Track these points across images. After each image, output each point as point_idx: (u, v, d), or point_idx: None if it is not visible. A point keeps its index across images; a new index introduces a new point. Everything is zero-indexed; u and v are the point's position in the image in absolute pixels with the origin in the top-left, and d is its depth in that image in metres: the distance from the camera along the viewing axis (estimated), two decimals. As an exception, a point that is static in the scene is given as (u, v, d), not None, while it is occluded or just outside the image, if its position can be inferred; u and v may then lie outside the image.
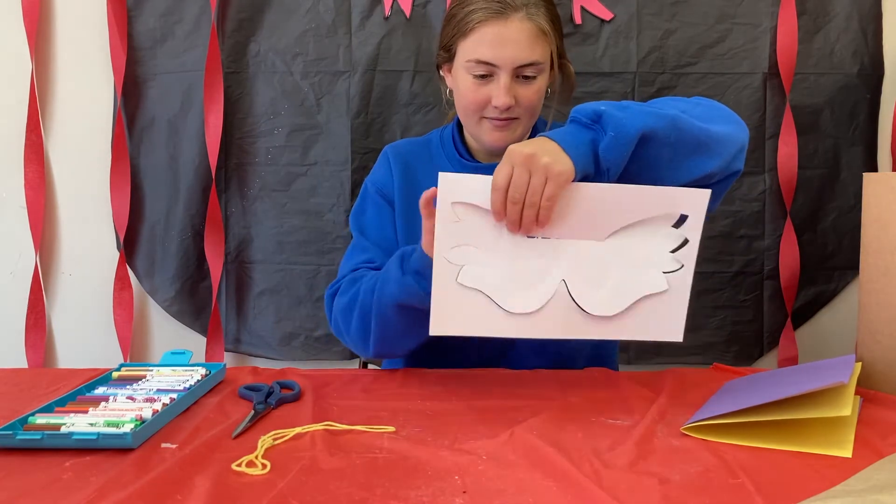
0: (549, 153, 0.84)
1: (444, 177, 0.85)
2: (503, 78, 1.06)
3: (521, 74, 1.07)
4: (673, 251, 0.87)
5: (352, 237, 1.21)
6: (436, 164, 1.19)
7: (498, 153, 1.16)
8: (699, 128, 0.93)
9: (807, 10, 1.64)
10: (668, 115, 0.91)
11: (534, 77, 1.08)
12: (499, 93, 1.06)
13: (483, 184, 0.85)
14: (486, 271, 0.87)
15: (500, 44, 1.05)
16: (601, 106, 0.90)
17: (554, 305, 0.88)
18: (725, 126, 0.98)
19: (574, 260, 0.87)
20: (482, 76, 1.07)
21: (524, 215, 0.84)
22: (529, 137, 1.19)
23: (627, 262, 0.87)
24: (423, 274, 0.93)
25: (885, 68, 1.66)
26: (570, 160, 0.85)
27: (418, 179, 1.17)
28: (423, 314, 0.88)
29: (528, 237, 0.87)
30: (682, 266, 0.88)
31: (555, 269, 0.87)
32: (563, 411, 0.86)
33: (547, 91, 1.14)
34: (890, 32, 1.65)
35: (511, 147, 0.86)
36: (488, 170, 1.12)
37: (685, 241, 0.88)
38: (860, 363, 0.91)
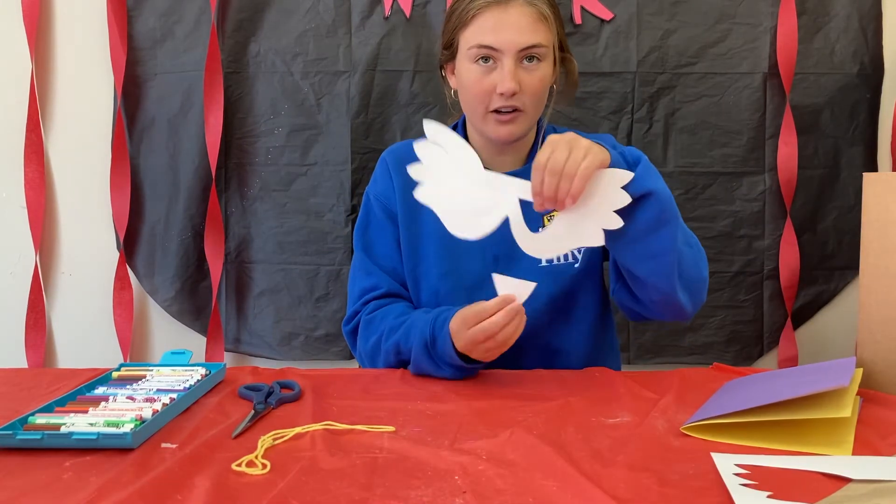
0: (588, 140, 0.91)
1: (428, 123, 0.95)
2: (507, 63, 1.06)
3: (524, 59, 1.07)
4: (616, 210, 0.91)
5: (353, 233, 1.23)
6: None
7: (504, 149, 1.16)
8: (680, 251, 0.99)
9: (807, 10, 1.64)
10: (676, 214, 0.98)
11: (537, 64, 1.08)
12: (504, 78, 1.06)
13: (458, 138, 0.96)
14: (441, 191, 0.95)
15: (501, 28, 1.06)
16: (643, 157, 0.97)
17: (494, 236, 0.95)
18: (687, 287, 1.03)
19: (521, 199, 0.93)
20: (485, 60, 1.08)
21: (560, 188, 0.89)
22: (535, 138, 1.19)
23: (570, 211, 0.91)
24: (459, 368, 0.99)
25: (885, 68, 1.66)
26: (609, 152, 0.92)
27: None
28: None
29: (485, 169, 0.95)
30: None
31: (502, 204, 0.93)
32: (563, 411, 0.86)
33: (550, 89, 1.14)
34: (890, 32, 1.65)
35: (552, 135, 0.92)
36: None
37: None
38: (861, 369, 0.91)
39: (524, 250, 0.94)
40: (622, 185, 0.91)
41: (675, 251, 0.97)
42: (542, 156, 0.90)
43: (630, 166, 0.95)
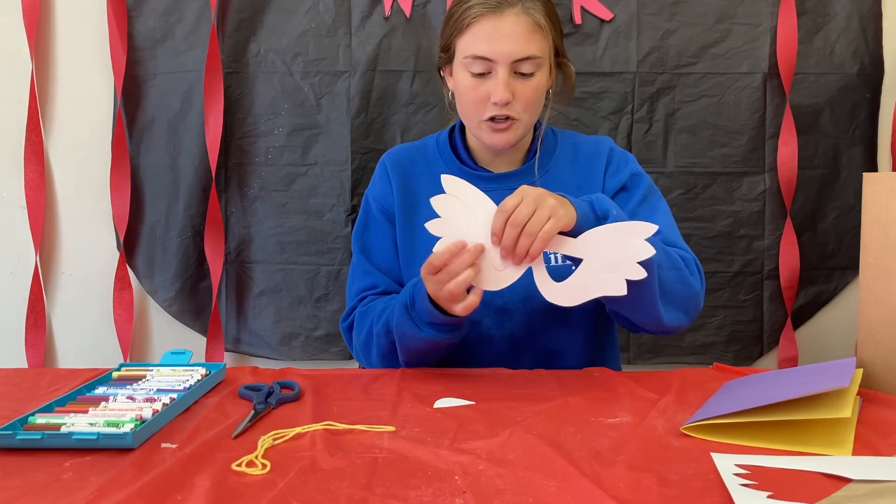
0: (558, 199, 0.91)
1: (446, 178, 0.95)
2: (501, 73, 1.06)
3: (518, 70, 1.07)
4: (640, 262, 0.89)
5: (352, 234, 1.23)
6: (434, 170, 1.18)
7: (500, 155, 1.16)
8: (659, 289, 0.99)
9: (807, 10, 1.64)
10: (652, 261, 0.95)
11: (532, 73, 1.08)
12: (497, 88, 1.06)
13: (476, 191, 0.95)
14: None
15: (496, 38, 1.06)
16: (613, 210, 0.97)
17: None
18: (677, 307, 1.03)
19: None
20: (480, 74, 1.08)
21: (519, 243, 0.90)
22: (532, 140, 1.19)
23: (593, 262, 0.91)
24: (437, 326, 1.00)
25: (885, 68, 1.66)
26: (575, 213, 0.92)
27: (416, 188, 1.17)
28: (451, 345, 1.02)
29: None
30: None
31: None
32: (562, 411, 0.86)
33: (547, 92, 1.14)
34: (890, 32, 1.65)
35: (524, 185, 0.93)
36: (488, 180, 1.14)
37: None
38: (861, 369, 0.91)
39: (548, 300, 0.93)
40: (646, 237, 0.89)
41: (654, 294, 0.98)
42: (509, 203, 0.90)
43: (598, 220, 0.95)
